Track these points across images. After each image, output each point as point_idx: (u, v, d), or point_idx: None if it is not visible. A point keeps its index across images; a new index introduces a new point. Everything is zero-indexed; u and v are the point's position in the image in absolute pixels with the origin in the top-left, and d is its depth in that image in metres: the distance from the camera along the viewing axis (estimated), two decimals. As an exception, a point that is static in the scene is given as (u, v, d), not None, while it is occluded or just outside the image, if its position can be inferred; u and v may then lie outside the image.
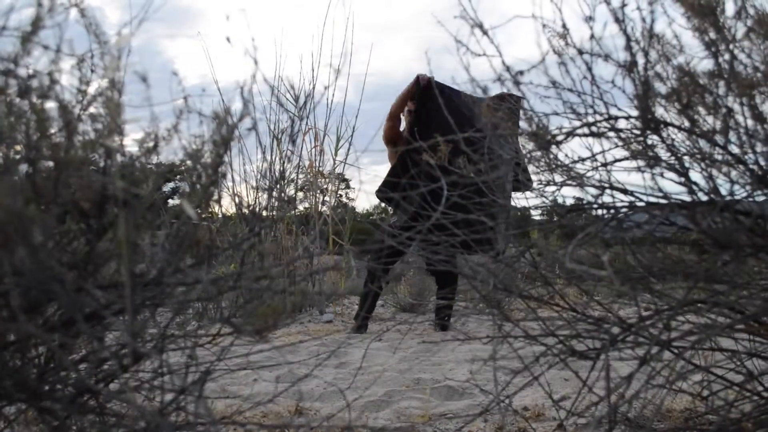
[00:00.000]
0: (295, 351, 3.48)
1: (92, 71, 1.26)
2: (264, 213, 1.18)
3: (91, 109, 1.19)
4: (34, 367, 1.17)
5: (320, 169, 6.61)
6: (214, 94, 5.51)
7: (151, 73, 1.05)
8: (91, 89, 1.24)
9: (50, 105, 1.08)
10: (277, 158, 6.25)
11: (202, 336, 1.23)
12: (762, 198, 1.33)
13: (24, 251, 0.87)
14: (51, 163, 1.04)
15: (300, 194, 6.95)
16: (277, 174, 5.92)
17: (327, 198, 6.82)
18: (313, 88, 6.25)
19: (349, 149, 6.86)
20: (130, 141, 1.21)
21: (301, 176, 6.54)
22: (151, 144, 1.20)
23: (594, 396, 1.44)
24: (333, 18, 9.22)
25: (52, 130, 1.07)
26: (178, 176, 1.37)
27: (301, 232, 6.41)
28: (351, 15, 8.85)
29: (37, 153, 0.98)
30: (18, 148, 1.00)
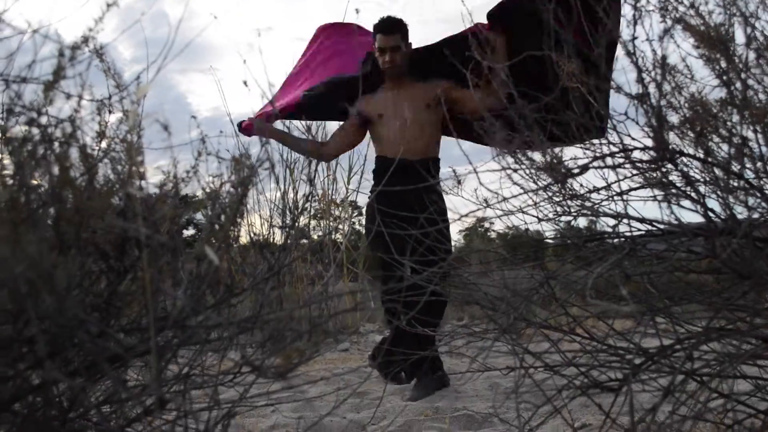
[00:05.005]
0: (311, 380, 3.47)
1: (110, 112, 1.29)
2: (282, 251, 1.19)
3: (111, 153, 1.21)
4: (56, 409, 1.18)
5: (333, 197, 6.65)
6: (229, 129, 5.56)
7: (164, 107, 1.06)
8: (110, 132, 1.27)
9: (72, 150, 1.10)
10: (290, 188, 6.30)
11: (224, 374, 1.23)
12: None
13: (49, 298, 0.88)
14: (73, 208, 1.06)
15: (314, 222, 6.98)
16: (290, 203, 5.97)
17: (341, 226, 6.85)
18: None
19: (361, 177, 6.90)
20: (150, 182, 1.23)
21: (314, 205, 6.58)
22: (170, 185, 1.22)
23: (618, 427, 1.42)
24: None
25: (74, 175, 1.09)
26: (194, 208, 1.39)
27: (316, 260, 6.43)
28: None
29: (61, 201, 0.99)
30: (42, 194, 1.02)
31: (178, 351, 1.12)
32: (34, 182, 1.01)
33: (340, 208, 6.80)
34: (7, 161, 0.99)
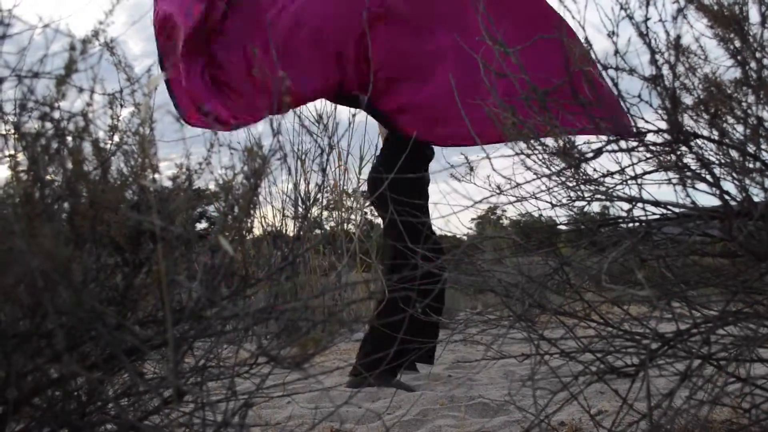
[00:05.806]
0: (327, 370, 3.49)
1: (122, 106, 1.29)
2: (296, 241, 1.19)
3: (124, 147, 1.21)
4: (75, 403, 1.19)
5: (345, 188, 6.65)
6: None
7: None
8: (122, 125, 1.27)
9: (85, 144, 1.11)
10: (302, 179, 6.30)
11: (240, 365, 1.24)
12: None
13: (66, 292, 0.89)
14: (87, 202, 1.06)
15: (326, 213, 6.99)
16: (302, 194, 5.97)
17: (353, 216, 6.86)
18: (335, 108, 6.30)
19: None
20: (163, 174, 1.23)
21: (326, 196, 6.59)
22: (183, 178, 1.22)
23: (634, 412, 1.42)
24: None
25: (88, 169, 1.09)
26: (206, 201, 1.39)
27: (329, 250, 6.45)
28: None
29: (75, 194, 1.00)
30: (56, 189, 1.03)
31: (194, 343, 1.13)
32: (49, 177, 1.01)
33: (352, 199, 6.79)
34: (21, 156, 0.99)
